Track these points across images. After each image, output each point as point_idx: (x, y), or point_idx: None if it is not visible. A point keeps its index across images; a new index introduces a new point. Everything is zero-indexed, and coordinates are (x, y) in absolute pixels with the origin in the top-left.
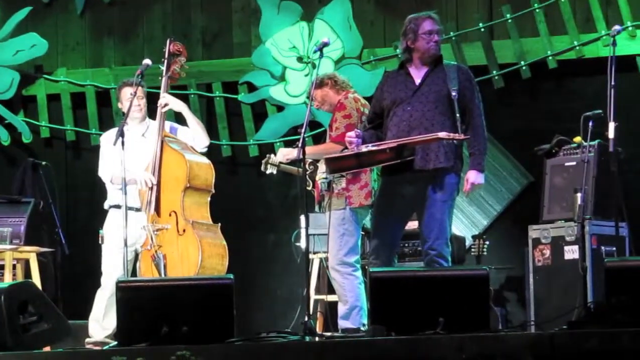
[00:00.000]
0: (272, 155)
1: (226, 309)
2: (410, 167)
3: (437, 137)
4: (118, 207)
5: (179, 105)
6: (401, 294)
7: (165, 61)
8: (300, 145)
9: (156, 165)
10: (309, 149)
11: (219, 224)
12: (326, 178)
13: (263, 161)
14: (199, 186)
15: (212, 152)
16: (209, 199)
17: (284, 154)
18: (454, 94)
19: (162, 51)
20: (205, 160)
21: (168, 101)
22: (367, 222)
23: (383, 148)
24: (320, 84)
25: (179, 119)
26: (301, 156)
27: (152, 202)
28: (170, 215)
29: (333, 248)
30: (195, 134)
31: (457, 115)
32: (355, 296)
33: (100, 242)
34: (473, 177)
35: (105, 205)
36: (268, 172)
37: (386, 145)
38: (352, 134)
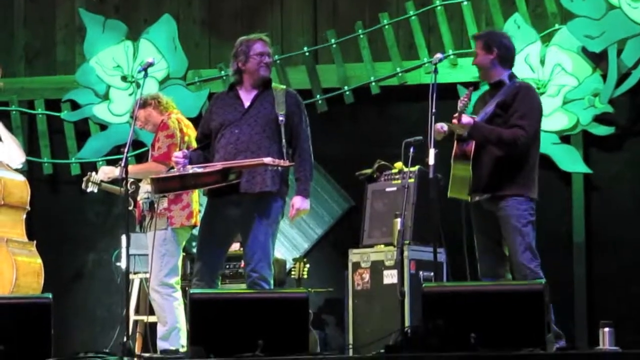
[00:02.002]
0: (94, 173)
1: (44, 328)
2: (236, 189)
3: (262, 162)
4: None
5: None
6: (221, 315)
7: None
8: (122, 164)
9: None
10: (132, 168)
11: (34, 242)
12: (148, 198)
13: (84, 179)
14: (13, 204)
15: (33, 170)
16: (24, 216)
17: (105, 173)
18: (281, 118)
19: None
20: (20, 177)
21: None
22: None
23: (209, 171)
24: (143, 104)
25: None
26: (123, 175)
27: None
28: None
29: (154, 269)
30: (9, 151)
31: (284, 140)
32: (174, 317)
33: None
34: (299, 202)
35: None
36: (89, 190)
37: (212, 167)
38: (179, 154)
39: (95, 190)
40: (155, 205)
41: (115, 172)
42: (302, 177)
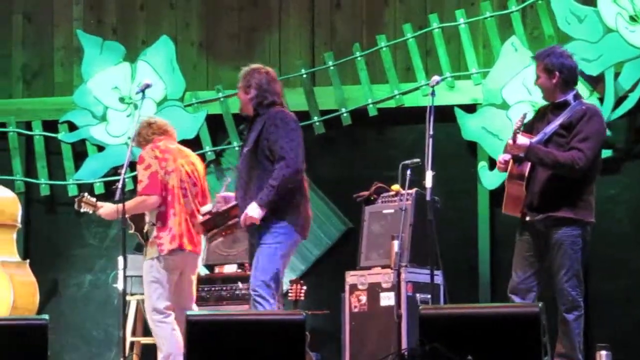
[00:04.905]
0: (87, 194)
1: (40, 349)
2: None
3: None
4: None
5: None
6: (218, 338)
7: None
8: (119, 185)
9: None
10: (127, 206)
11: (28, 260)
12: (148, 224)
13: (76, 199)
14: (4, 222)
15: (30, 191)
16: (15, 234)
17: (104, 215)
18: (246, 148)
19: None
20: (9, 194)
21: None
22: (199, 268)
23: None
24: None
25: None
26: (120, 215)
27: None
28: None
29: (146, 296)
30: None
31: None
32: (169, 343)
33: None
34: (250, 209)
35: None
36: (83, 210)
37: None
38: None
39: (90, 212)
40: (150, 235)
41: (114, 215)
42: (267, 186)
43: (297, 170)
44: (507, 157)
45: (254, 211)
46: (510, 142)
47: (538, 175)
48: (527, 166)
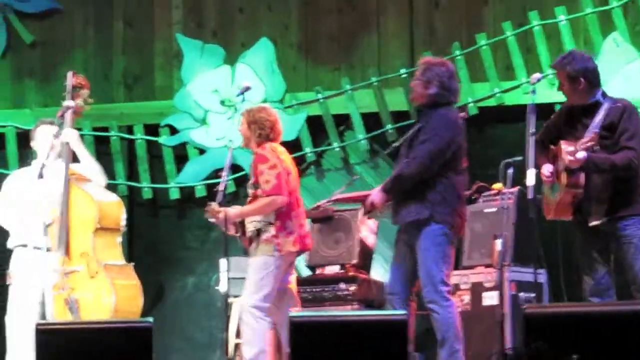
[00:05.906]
0: (213, 204)
1: (145, 352)
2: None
3: None
4: (24, 246)
5: (77, 143)
6: (321, 338)
7: (69, 95)
8: (221, 189)
9: (63, 204)
10: (247, 210)
11: (132, 264)
12: (260, 222)
13: (207, 210)
14: (109, 226)
15: (133, 195)
16: (119, 238)
17: (230, 230)
18: (407, 143)
19: (64, 85)
20: (114, 197)
21: (71, 138)
22: (302, 269)
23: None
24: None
25: None
26: (234, 221)
27: (62, 243)
28: (81, 256)
29: (250, 291)
30: (90, 174)
31: None
32: (264, 340)
33: (7, 281)
34: (373, 193)
35: (10, 244)
36: (211, 220)
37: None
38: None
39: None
40: (263, 232)
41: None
42: (394, 173)
43: (408, 175)
44: (551, 168)
45: (376, 196)
46: (571, 158)
47: (593, 181)
48: (582, 174)
